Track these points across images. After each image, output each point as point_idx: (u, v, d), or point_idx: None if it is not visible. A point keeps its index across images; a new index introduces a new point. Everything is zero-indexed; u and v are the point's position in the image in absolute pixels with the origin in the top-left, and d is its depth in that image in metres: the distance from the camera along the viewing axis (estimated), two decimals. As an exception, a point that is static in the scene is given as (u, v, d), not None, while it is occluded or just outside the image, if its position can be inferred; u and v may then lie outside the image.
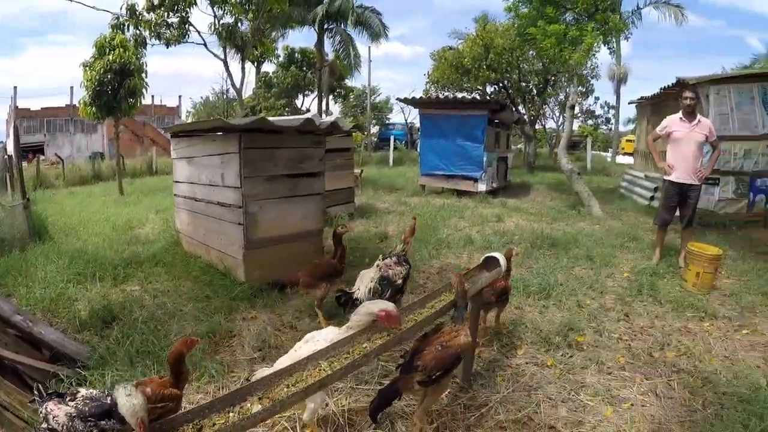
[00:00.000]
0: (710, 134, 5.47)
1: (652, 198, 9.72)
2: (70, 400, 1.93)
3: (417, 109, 13.46)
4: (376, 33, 26.54)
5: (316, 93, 29.03)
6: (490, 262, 3.10)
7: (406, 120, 32.75)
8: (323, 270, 3.86)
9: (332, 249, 4.15)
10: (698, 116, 5.49)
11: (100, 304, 4.17)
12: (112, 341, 3.51)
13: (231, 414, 1.76)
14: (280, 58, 28.25)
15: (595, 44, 10.56)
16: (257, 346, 3.60)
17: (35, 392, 2.03)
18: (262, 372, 2.28)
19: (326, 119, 5.17)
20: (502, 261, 3.07)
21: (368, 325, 2.30)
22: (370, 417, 2.35)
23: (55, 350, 3.12)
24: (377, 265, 3.78)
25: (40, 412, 1.94)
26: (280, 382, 1.94)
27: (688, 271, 5.04)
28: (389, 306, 2.29)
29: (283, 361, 2.34)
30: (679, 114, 5.56)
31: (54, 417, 1.87)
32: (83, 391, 1.97)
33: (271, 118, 4.89)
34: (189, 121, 47.57)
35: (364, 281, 3.68)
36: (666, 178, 5.67)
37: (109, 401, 1.89)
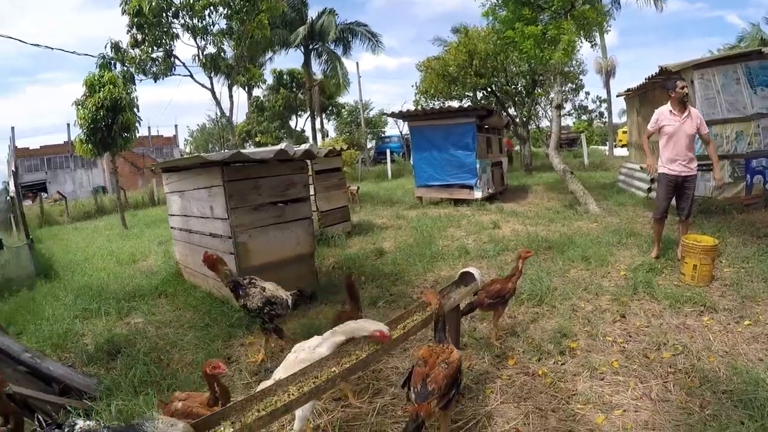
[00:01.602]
0: (701, 126, 5.36)
1: (649, 190, 9.61)
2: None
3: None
4: (372, 44, 26.95)
5: (308, 113, 29.30)
6: (467, 277, 3.10)
7: (400, 132, 32.67)
8: None
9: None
10: (688, 107, 5.37)
11: (105, 338, 4.33)
12: (117, 373, 3.67)
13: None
14: (268, 82, 28.42)
15: (577, 41, 10.53)
16: (254, 371, 3.65)
17: (35, 422, 2.24)
18: (264, 383, 2.43)
19: (300, 148, 5.29)
20: (477, 275, 3.09)
21: (349, 338, 2.56)
22: None
23: (63, 384, 3.31)
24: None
25: None
26: (251, 407, 2.07)
27: (685, 264, 4.89)
28: (383, 328, 2.51)
29: (278, 371, 2.58)
30: (668, 106, 5.45)
31: None
32: (80, 423, 2.05)
33: (246, 150, 4.98)
34: (188, 148, 48.41)
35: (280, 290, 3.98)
36: (661, 170, 5.55)
37: None
